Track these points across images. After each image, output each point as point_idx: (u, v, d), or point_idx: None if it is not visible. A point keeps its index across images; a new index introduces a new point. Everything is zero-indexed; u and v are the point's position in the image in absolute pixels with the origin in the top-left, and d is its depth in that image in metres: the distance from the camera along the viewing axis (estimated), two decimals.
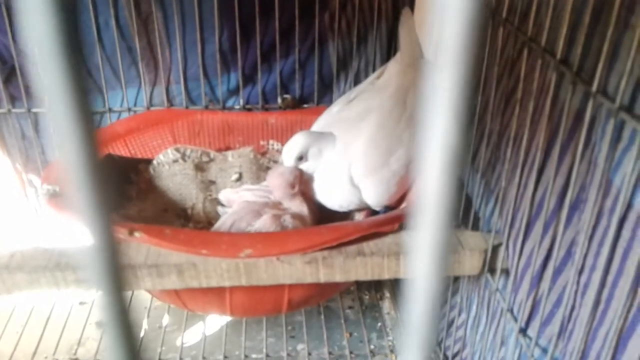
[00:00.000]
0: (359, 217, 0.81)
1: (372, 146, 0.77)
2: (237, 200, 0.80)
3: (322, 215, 0.82)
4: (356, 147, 0.76)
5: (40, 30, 0.13)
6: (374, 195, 0.77)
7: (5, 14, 0.88)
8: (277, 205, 0.78)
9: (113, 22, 0.92)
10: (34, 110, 0.96)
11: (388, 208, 0.82)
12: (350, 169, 0.76)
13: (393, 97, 0.79)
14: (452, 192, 0.15)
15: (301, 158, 0.77)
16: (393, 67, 0.84)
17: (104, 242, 0.16)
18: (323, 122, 0.82)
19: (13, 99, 0.97)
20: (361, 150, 0.76)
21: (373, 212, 0.81)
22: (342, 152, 0.77)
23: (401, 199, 0.81)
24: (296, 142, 0.78)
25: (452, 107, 0.14)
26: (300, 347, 1.00)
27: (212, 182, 0.90)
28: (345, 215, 0.82)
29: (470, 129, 0.73)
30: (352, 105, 0.81)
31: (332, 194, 0.79)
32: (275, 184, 0.77)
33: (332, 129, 0.79)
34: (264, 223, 0.73)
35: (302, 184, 0.77)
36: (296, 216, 0.75)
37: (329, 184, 0.78)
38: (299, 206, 0.77)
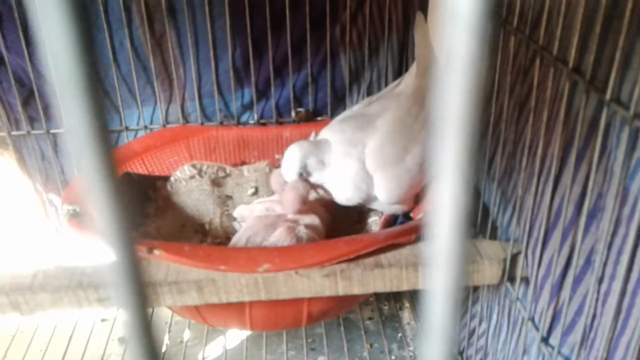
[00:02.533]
0: (375, 228, 0.81)
1: (389, 140, 0.77)
2: (249, 216, 0.81)
3: (336, 226, 0.82)
4: (373, 139, 0.76)
5: (57, 50, 0.14)
6: (385, 191, 0.77)
7: (22, 37, 0.89)
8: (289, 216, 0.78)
9: (128, 43, 0.93)
10: (52, 131, 0.98)
11: (405, 218, 0.82)
12: (365, 159, 0.76)
13: (411, 97, 0.80)
14: (468, 200, 0.15)
15: (301, 174, 0.77)
16: (410, 74, 0.85)
17: (127, 260, 0.17)
18: (342, 116, 0.83)
19: (32, 121, 0.98)
20: (377, 143, 0.76)
21: (390, 223, 0.81)
22: (358, 142, 0.77)
23: (414, 203, 0.81)
24: (293, 157, 0.77)
25: (463, 114, 0.14)
26: (321, 359, 1.00)
27: (229, 197, 0.91)
28: (361, 228, 0.83)
29: (485, 138, 0.73)
30: (372, 106, 0.82)
31: (343, 184, 0.78)
32: (289, 199, 0.77)
33: (350, 121, 0.79)
34: (278, 237, 0.73)
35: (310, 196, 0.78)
36: (310, 227, 0.75)
37: (340, 173, 0.77)
38: (310, 217, 0.77)
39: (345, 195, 0.79)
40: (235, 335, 1.04)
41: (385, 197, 0.77)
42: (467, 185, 0.15)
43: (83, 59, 0.14)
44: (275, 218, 0.77)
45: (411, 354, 1.02)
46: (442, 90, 0.14)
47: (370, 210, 0.84)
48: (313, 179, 0.78)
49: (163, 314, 1.08)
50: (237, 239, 0.76)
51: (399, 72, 1.03)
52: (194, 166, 0.95)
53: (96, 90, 0.14)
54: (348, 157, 0.76)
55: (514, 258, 0.65)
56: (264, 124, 1.02)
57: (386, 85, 0.99)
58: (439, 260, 0.16)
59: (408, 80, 0.85)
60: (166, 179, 0.93)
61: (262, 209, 0.80)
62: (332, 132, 0.80)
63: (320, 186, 0.80)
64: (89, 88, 0.14)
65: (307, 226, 0.75)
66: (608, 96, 0.45)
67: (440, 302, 0.17)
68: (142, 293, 0.17)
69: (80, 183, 0.15)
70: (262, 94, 1.01)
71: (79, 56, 0.14)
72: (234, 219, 0.86)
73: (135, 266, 0.17)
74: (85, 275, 0.65)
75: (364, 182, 0.77)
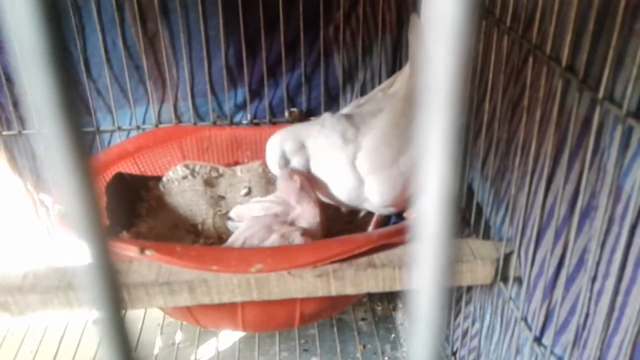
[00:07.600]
0: (368, 228, 0.81)
1: (384, 143, 0.76)
2: (247, 215, 0.80)
3: (329, 227, 0.82)
4: (367, 141, 0.76)
5: (26, 48, 0.13)
6: (378, 194, 0.76)
7: None
8: (287, 216, 0.77)
9: (120, 42, 0.93)
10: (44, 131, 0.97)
11: (398, 218, 0.82)
12: (356, 161, 0.76)
13: (406, 98, 0.79)
14: (454, 178, 0.15)
15: (287, 163, 0.77)
16: (404, 75, 0.84)
17: (101, 261, 0.16)
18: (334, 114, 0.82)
19: (23, 121, 0.97)
20: (372, 145, 0.75)
21: (383, 223, 0.81)
22: (350, 140, 0.76)
23: (407, 204, 0.81)
24: (271, 149, 0.78)
25: (447, 111, 0.14)
26: None
27: (222, 198, 0.91)
28: (353, 228, 0.82)
29: (479, 138, 0.73)
30: (364, 107, 0.81)
31: (332, 185, 0.77)
32: (286, 190, 0.76)
33: (343, 117, 0.78)
34: (271, 244, 0.72)
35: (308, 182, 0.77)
36: (306, 232, 0.74)
37: (330, 174, 0.77)
38: (311, 212, 0.76)
39: (336, 198, 0.78)
40: (228, 337, 1.04)
41: (378, 200, 0.77)
42: (453, 162, 0.14)
43: (51, 50, 0.13)
44: (273, 218, 0.76)
45: (404, 354, 1.01)
46: (428, 67, 0.14)
47: (363, 210, 0.84)
48: (293, 163, 0.77)
49: (155, 315, 1.07)
50: (234, 240, 0.75)
51: (393, 72, 1.02)
52: (186, 166, 0.94)
53: (68, 88, 0.14)
54: (339, 161, 0.76)
55: (507, 258, 0.65)
56: (257, 124, 1.02)
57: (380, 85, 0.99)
58: (420, 261, 0.16)
59: (402, 81, 0.84)
60: (159, 179, 0.93)
61: (260, 208, 0.79)
62: (324, 124, 0.78)
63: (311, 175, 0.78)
64: (59, 84, 0.14)
65: (304, 232, 0.74)
66: (601, 94, 0.45)
67: (423, 303, 0.16)
68: (116, 295, 0.17)
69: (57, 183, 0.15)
70: (256, 93, 1.01)
71: (48, 49, 0.13)
72: (229, 219, 0.85)
73: (110, 268, 0.16)
74: (75, 276, 0.64)
75: (357, 189, 0.76)
